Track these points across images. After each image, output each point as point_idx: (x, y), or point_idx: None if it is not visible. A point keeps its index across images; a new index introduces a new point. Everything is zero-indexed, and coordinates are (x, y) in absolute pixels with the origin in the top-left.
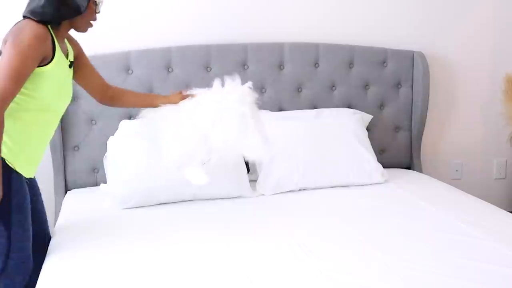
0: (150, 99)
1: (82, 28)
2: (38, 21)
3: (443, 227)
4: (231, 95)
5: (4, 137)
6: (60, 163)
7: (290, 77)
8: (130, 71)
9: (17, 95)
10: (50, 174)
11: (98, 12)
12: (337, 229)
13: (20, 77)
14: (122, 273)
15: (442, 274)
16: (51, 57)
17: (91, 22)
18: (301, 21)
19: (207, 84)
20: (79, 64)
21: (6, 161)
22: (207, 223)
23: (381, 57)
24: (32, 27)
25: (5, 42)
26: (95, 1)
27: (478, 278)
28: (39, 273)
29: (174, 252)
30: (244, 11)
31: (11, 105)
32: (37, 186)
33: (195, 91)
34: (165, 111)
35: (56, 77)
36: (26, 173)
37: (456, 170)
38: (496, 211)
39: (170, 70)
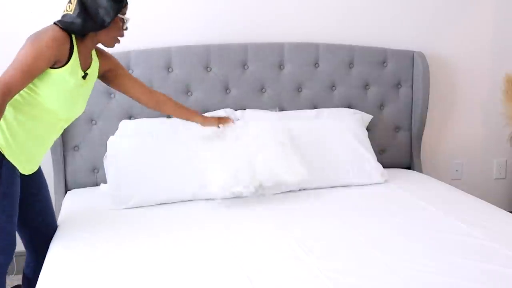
0: (189, 115)
1: (108, 43)
2: (63, 28)
3: (443, 227)
4: (270, 125)
5: (3, 125)
6: (60, 163)
7: (290, 77)
8: (130, 71)
9: (25, 90)
10: (50, 174)
11: (126, 29)
12: (337, 229)
13: (30, 72)
14: (122, 272)
15: (442, 274)
16: (65, 62)
17: (118, 38)
18: (301, 21)
19: (207, 84)
20: (113, 76)
21: None
22: (207, 223)
23: (381, 57)
24: (54, 30)
25: (28, 39)
26: (123, 18)
27: (478, 278)
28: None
29: (174, 252)
30: (244, 11)
31: (17, 98)
32: (43, 178)
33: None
34: (210, 133)
35: (63, 82)
36: (20, 168)
37: (456, 170)
38: (496, 211)
39: (170, 70)
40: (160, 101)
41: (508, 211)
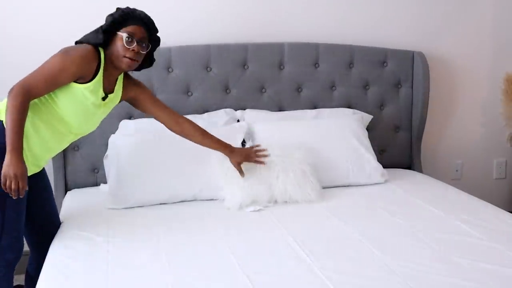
0: (217, 145)
1: (118, 64)
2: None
3: (443, 227)
4: (295, 154)
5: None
6: (60, 163)
7: (290, 77)
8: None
9: (46, 97)
10: (50, 174)
11: (132, 49)
12: (337, 229)
13: (52, 82)
14: (122, 272)
15: (442, 274)
16: (89, 79)
17: (127, 57)
18: (301, 21)
19: (207, 84)
20: (140, 102)
21: None
22: (206, 223)
23: (381, 57)
24: (86, 48)
25: (61, 49)
26: (120, 35)
27: (478, 278)
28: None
29: (174, 251)
30: (244, 11)
31: (37, 102)
32: (47, 178)
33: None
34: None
35: (82, 98)
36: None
37: (456, 170)
38: (496, 211)
39: (170, 70)
40: (185, 128)
41: (508, 211)
